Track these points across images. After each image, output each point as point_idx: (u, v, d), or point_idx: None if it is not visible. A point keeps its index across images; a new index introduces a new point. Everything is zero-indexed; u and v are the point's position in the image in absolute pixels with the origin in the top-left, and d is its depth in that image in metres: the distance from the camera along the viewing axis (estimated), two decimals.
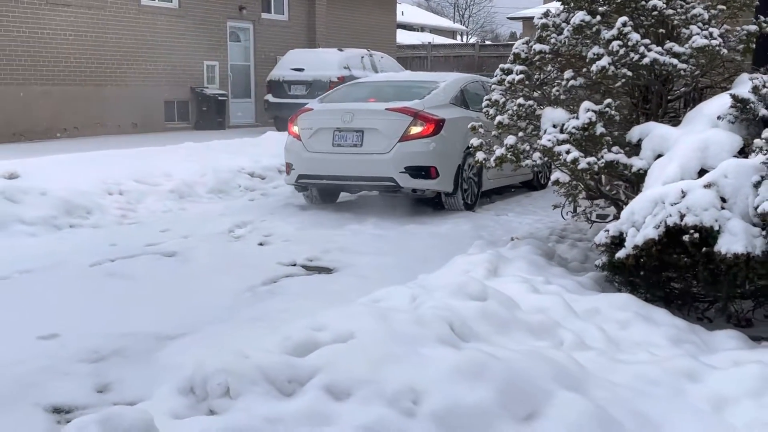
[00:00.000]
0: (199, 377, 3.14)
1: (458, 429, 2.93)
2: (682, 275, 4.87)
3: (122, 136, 15.84)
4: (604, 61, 5.60)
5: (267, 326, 4.64)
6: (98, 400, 3.87)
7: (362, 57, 17.93)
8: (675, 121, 6.14)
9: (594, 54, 5.70)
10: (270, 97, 17.45)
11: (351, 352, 3.35)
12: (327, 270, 6.45)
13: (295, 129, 9.14)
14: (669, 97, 6.32)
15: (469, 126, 6.45)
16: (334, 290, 5.70)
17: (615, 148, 5.52)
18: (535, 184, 11.25)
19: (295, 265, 6.56)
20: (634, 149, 5.60)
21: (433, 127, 8.74)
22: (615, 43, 5.60)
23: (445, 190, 8.93)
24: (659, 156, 5.38)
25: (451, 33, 52.07)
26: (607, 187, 6.05)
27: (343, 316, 3.77)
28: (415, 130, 8.69)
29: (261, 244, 7.30)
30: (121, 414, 2.59)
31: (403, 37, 38.31)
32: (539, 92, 6.38)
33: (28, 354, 4.41)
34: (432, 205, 9.26)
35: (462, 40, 51.16)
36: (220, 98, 18.27)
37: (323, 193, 9.59)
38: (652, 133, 5.47)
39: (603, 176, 5.99)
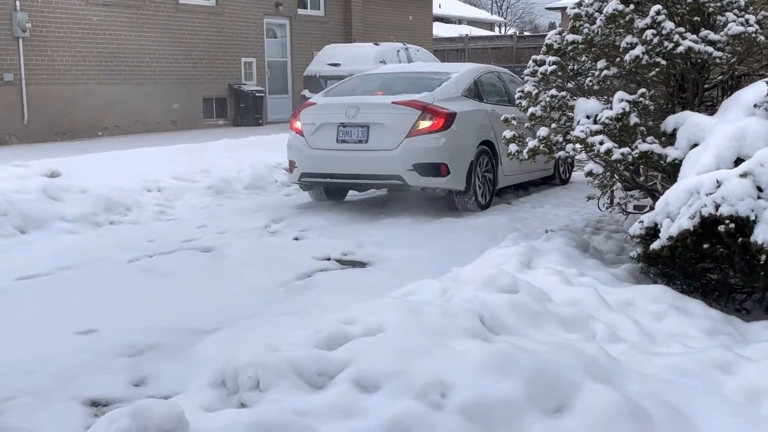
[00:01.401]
0: (230, 371, 3.19)
1: (486, 422, 2.93)
2: (718, 266, 4.81)
3: (162, 133, 16.03)
4: (638, 51, 5.54)
5: (300, 320, 4.67)
6: (135, 393, 3.93)
7: (398, 51, 17.91)
8: (712, 110, 6.05)
9: (627, 43, 5.64)
10: (307, 93, 17.48)
11: (380, 345, 3.36)
12: (361, 264, 6.47)
13: (298, 125, 8.74)
14: (705, 86, 6.23)
15: (502, 118, 6.41)
16: (367, 284, 5.72)
17: (649, 139, 5.47)
18: (556, 180, 10.80)
19: (329, 259, 6.59)
20: (669, 139, 5.54)
21: (444, 121, 8.25)
22: (649, 32, 5.54)
23: (457, 189, 8.45)
24: (695, 145, 5.31)
25: (489, 25, 51.79)
26: (642, 178, 5.98)
27: (373, 309, 3.78)
28: (424, 124, 8.22)
29: (296, 239, 7.35)
30: (151, 407, 2.63)
31: (440, 30, 38.24)
32: (573, 83, 6.33)
33: (66, 349, 4.49)
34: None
35: (500, 32, 50.88)
36: (257, 94, 18.39)
37: (329, 191, 9.21)
38: (687, 122, 5.40)
39: (640, 167, 5.93)
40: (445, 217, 8.24)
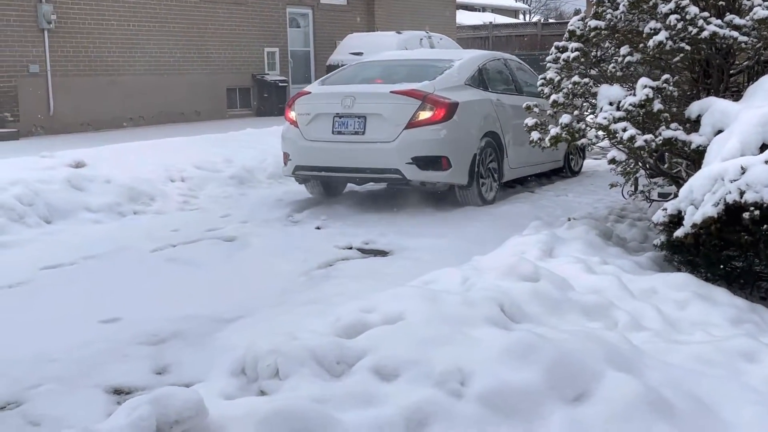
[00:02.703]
0: (250, 359, 3.20)
1: (505, 410, 2.92)
2: (743, 254, 4.76)
3: (186, 124, 16.10)
4: (662, 36, 5.47)
5: (321, 309, 4.68)
6: (157, 381, 3.96)
7: (421, 39, 17.86)
8: (737, 96, 5.97)
9: (651, 29, 5.57)
10: None
11: (399, 333, 3.36)
12: (383, 253, 6.47)
13: (292, 115, 8.33)
14: (731, 72, 6.15)
15: (524, 106, 6.37)
16: (388, 273, 5.71)
17: (673, 125, 5.41)
18: (565, 171, 10.42)
19: (351, 248, 6.59)
20: (694, 126, 5.47)
21: (444, 111, 7.84)
22: (672, 17, 5.47)
23: (459, 183, 8.05)
24: (719, 132, 5.24)
25: (513, 12, 51.47)
26: (666, 165, 5.92)
27: (393, 297, 3.78)
28: (424, 115, 7.81)
29: (318, 228, 7.35)
30: (172, 394, 2.64)
31: (464, 18, 38.04)
32: (597, 70, 6.26)
33: (90, 337, 4.53)
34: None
35: (525, 20, 50.54)
36: (280, 84, 18.41)
37: (327, 184, 8.79)
38: (711, 108, 5.33)
39: (665, 154, 5.87)
40: (468, 206, 8.21)
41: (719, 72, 6.02)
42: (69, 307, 5.12)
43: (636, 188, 6.62)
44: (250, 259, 6.31)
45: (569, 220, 6.29)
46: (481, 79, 8.75)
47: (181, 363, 4.17)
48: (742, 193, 4.45)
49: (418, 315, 3.56)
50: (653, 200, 6.17)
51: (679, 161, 5.77)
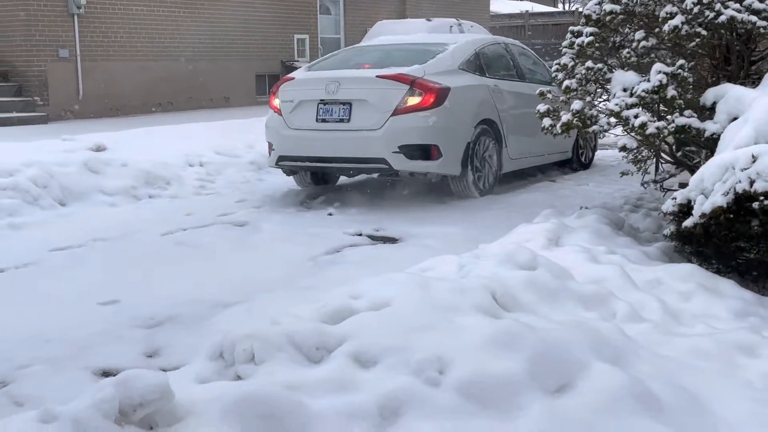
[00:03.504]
0: (228, 343, 3.14)
1: (483, 399, 2.84)
2: (755, 245, 4.61)
3: (214, 110, 16.14)
4: (677, 21, 5.32)
5: (320, 296, 4.61)
6: (145, 364, 3.92)
7: (450, 26, 17.66)
8: (758, 83, 5.79)
9: (667, 13, 5.42)
10: None
11: (383, 319, 3.29)
12: (392, 240, 6.40)
13: (276, 102, 7.93)
14: (752, 58, 5.97)
15: (537, 92, 6.23)
16: (394, 260, 5.63)
17: (687, 112, 5.25)
18: (574, 163, 9.90)
19: (360, 234, 6.53)
20: (710, 113, 5.32)
21: (434, 97, 7.39)
22: (689, 1, 5.31)
23: (451, 173, 7.64)
24: (734, 119, 5.09)
25: (552, 0, 50.91)
26: (679, 154, 5.77)
27: (383, 283, 3.71)
28: (413, 101, 7.35)
29: (330, 214, 7.30)
30: (137, 377, 2.59)
31: (499, 6, 37.68)
32: (615, 56, 6.11)
33: (88, 319, 4.52)
34: (512, 176, 9.01)
35: (563, 8, 49.98)
36: None
37: (317, 176, 8.43)
38: (727, 95, 5.17)
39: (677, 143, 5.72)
40: (486, 194, 8.09)
41: (739, 58, 5.84)
42: (72, 288, 5.12)
43: (656, 175, 6.44)
44: (259, 245, 6.27)
45: (581, 208, 6.16)
46: (477, 63, 8.27)
47: (173, 346, 4.13)
48: (752, 182, 4.31)
49: (405, 302, 3.49)
50: (668, 189, 6.01)
51: (692, 150, 5.61)
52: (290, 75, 8.18)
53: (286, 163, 7.86)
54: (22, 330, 4.36)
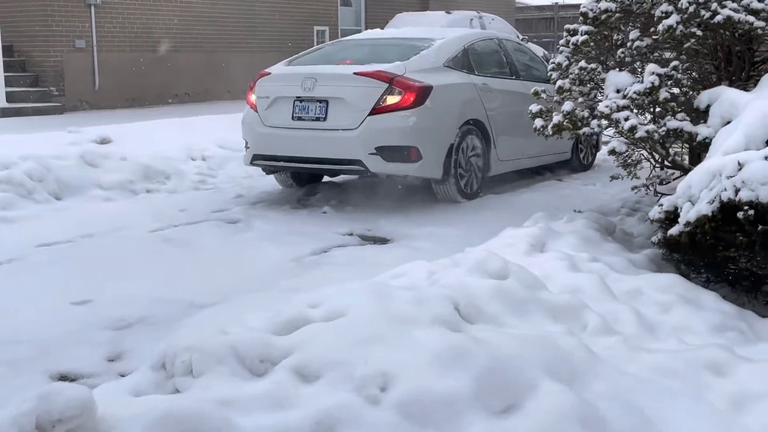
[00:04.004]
0: (171, 353, 3.06)
1: (422, 419, 2.73)
2: (742, 254, 4.45)
3: (231, 102, 16.09)
4: (672, 20, 5.15)
5: (292, 298, 4.53)
6: (105, 369, 3.88)
7: (471, 20, 17.52)
8: None
9: (662, 12, 5.25)
10: None
11: (333, 331, 3.18)
12: (382, 240, 6.29)
13: (253, 98, 7.63)
14: (754, 60, 5.78)
15: (532, 91, 6.08)
16: (380, 262, 5.51)
17: (680, 115, 5.09)
18: (573, 164, 9.46)
19: (351, 234, 6.43)
20: (703, 116, 5.15)
21: (415, 96, 7.02)
22: (684, 0, 5.14)
23: (432, 177, 7.29)
24: (728, 123, 4.92)
25: None
26: (669, 158, 5.61)
27: (342, 292, 3.61)
28: (392, 100, 6.99)
29: (325, 212, 7.20)
30: (57, 391, 2.51)
31: None
32: (614, 55, 5.94)
33: (57, 319, 4.48)
34: (518, 174, 8.86)
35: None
36: None
37: (298, 175, 8.10)
38: (720, 98, 5.01)
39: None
40: (487, 194, 7.96)
41: (741, 59, 5.66)
42: (49, 287, 5.08)
43: (647, 179, 6.25)
44: (246, 243, 6.20)
45: (575, 212, 6.01)
46: (465, 60, 7.90)
47: (136, 350, 4.07)
48: (737, 191, 4.15)
49: (361, 312, 3.38)
50: (663, 194, 5.84)
51: (678, 152, 5.45)
52: (267, 70, 7.86)
53: (261, 162, 7.59)
54: None
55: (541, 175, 9.28)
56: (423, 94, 7.08)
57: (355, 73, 7.14)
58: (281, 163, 7.48)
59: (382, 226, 6.65)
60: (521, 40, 17.87)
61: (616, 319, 3.91)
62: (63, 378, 3.78)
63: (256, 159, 7.55)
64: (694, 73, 5.83)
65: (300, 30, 18.52)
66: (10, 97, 13.38)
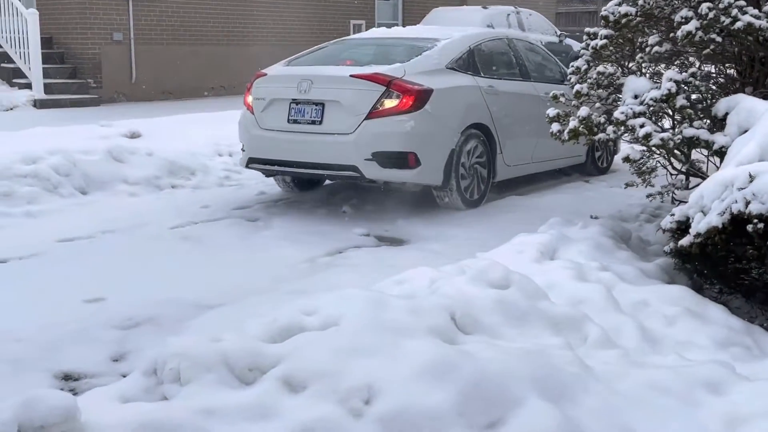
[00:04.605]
0: (161, 360, 3.09)
1: None
2: (755, 267, 4.37)
3: None
4: (691, 26, 5.07)
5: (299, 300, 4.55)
6: (109, 369, 3.94)
7: (508, 15, 17.37)
8: None
9: (682, 17, 5.17)
10: None
11: (324, 341, 3.19)
12: (399, 242, 6.29)
13: (249, 99, 7.40)
14: None
15: (551, 94, 6.02)
16: (393, 264, 5.51)
17: (697, 123, 5.01)
18: (589, 167, 9.13)
19: (368, 235, 6.43)
20: (721, 124, 5.07)
21: (413, 99, 6.73)
22: (704, 5, 5.05)
23: (432, 183, 7.02)
24: (746, 132, 4.83)
25: None
26: (685, 165, 5.52)
27: (338, 300, 3.61)
28: (389, 103, 6.72)
29: (344, 212, 7.21)
30: (40, 398, 2.56)
31: None
32: (634, 59, 5.87)
33: (67, 317, 4.53)
34: (546, 174, 8.76)
35: None
36: None
37: (296, 179, 7.84)
38: (738, 106, 4.92)
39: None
40: (511, 194, 7.92)
41: (763, 65, 5.55)
42: (63, 283, 5.15)
43: (662, 187, 6.13)
44: (264, 242, 6.22)
45: (591, 217, 5.95)
46: (470, 62, 7.58)
47: (141, 350, 4.10)
48: (747, 203, 4.08)
49: (354, 322, 3.38)
50: (681, 201, 5.76)
51: (699, 160, 5.37)
52: (264, 70, 7.62)
53: (257, 166, 7.35)
54: None
55: (568, 175, 9.18)
56: (422, 97, 6.82)
57: (351, 76, 6.88)
58: (276, 168, 7.27)
59: (400, 227, 6.65)
60: (558, 36, 17.86)
61: (619, 331, 3.87)
62: (66, 377, 3.84)
63: (251, 162, 7.32)
64: (720, 78, 5.72)
65: (336, 23, 18.53)
66: (48, 88, 13.60)
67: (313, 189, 8.09)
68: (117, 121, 9.97)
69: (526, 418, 2.81)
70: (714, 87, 5.44)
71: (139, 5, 14.99)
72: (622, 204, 7.36)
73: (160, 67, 15.36)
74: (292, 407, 2.84)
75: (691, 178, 5.72)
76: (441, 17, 17.28)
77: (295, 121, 6.96)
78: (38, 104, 13.22)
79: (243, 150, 7.41)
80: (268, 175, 7.82)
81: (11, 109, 12.85)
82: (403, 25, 19.87)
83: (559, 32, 18.26)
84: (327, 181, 8.24)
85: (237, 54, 16.59)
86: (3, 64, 14.02)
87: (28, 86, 13.51)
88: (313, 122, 6.88)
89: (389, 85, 6.76)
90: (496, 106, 7.57)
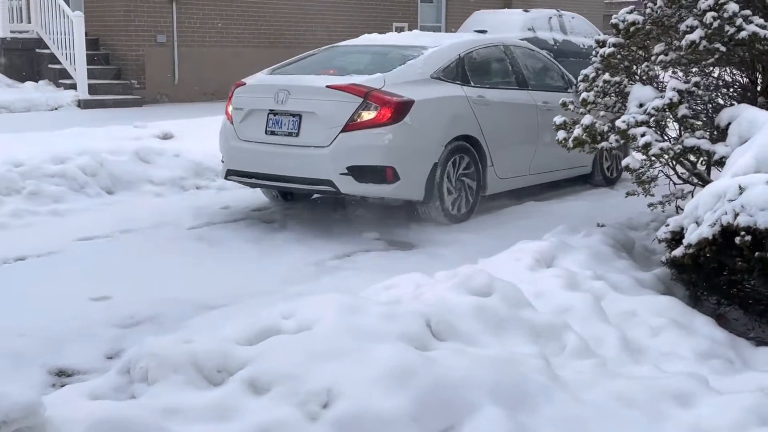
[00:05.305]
0: (134, 359, 3.21)
1: None
2: (744, 278, 4.35)
3: None
4: (696, 35, 5.05)
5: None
6: (102, 366, 4.06)
7: (549, 18, 17.28)
8: None
9: (688, 26, 5.14)
10: None
11: (292, 344, 3.28)
12: (409, 246, 6.35)
13: (230, 109, 7.13)
14: None
15: (560, 102, 6.02)
16: (398, 269, 5.51)
17: (698, 133, 4.99)
18: (597, 178, 8.78)
19: (379, 239, 6.50)
20: (723, 134, 5.03)
21: (392, 111, 6.44)
22: (709, 15, 5.02)
23: (413, 198, 6.72)
24: (746, 142, 4.80)
25: None
26: (687, 175, 5.48)
27: (315, 304, 3.68)
28: (367, 115, 6.45)
29: (357, 215, 7.29)
30: (5, 395, 2.68)
31: None
32: (643, 68, 5.84)
33: (71, 314, 4.70)
34: (569, 181, 8.71)
35: None
36: None
37: (283, 191, 7.56)
38: (740, 116, 4.88)
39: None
40: (529, 200, 7.91)
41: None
42: (74, 281, 5.33)
43: (663, 197, 6.06)
44: (276, 244, 6.34)
45: (598, 225, 5.94)
46: (459, 70, 7.24)
47: None
48: (736, 215, 4.06)
49: (327, 326, 3.45)
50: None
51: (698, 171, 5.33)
52: (243, 80, 7.35)
53: (236, 178, 7.13)
54: (1, 323, 4.54)
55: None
56: (402, 109, 6.51)
57: (328, 86, 6.61)
58: (254, 180, 7.03)
59: (412, 231, 6.71)
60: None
61: (600, 341, 3.88)
62: (60, 373, 3.99)
63: (230, 174, 7.12)
64: (734, 87, 5.67)
65: (378, 26, 18.50)
66: (93, 89, 13.94)
67: (303, 201, 7.89)
68: (153, 122, 10.22)
69: (481, 425, 2.86)
70: (720, 97, 5.39)
71: (183, 8, 15.29)
72: (634, 211, 7.28)
73: (202, 68, 15.63)
74: (254, 409, 2.93)
75: (686, 189, 5.68)
76: (482, 20, 17.26)
77: (273, 133, 6.76)
78: (82, 104, 13.57)
79: (222, 161, 7.28)
80: (252, 186, 7.52)
81: (56, 108, 13.22)
82: (446, 28, 19.96)
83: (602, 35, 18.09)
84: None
85: (279, 57, 16.63)
86: (50, 65, 14.42)
87: (74, 87, 13.87)
88: (290, 134, 6.67)
89: (367, 96, 6.50)
90: (486, 116, 7.25)
